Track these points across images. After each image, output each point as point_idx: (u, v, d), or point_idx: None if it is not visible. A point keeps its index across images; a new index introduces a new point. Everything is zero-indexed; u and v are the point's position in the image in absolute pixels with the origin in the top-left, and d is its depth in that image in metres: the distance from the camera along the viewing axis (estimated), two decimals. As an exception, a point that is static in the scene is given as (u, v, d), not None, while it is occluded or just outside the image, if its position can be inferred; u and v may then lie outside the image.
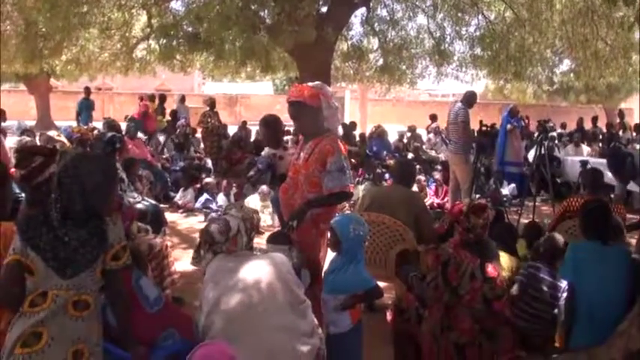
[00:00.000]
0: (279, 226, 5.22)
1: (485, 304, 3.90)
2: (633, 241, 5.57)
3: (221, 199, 9.84)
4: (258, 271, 3.20)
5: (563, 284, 4.58)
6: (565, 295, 4.57)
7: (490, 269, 3.98)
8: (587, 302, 4.09)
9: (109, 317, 3.01)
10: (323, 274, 3.88)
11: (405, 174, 6.21)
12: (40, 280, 2.69)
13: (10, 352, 2.62)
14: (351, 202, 9.95)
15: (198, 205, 9.82)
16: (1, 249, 2.99)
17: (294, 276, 3.38)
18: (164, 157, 12.69)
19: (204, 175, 11.14)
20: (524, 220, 8.44)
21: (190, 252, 7.14)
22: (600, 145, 14.97)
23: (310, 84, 4.27)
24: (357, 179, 11.12)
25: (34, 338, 2.61)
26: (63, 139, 9.87)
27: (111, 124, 13.11)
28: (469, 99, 9.58)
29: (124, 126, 12.08)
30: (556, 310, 4.53)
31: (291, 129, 11.91)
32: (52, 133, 10.37)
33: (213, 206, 9.58)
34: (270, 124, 5.74)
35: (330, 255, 3.85)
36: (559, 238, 4.88)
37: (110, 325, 3.00)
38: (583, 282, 4.13)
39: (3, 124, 12.96)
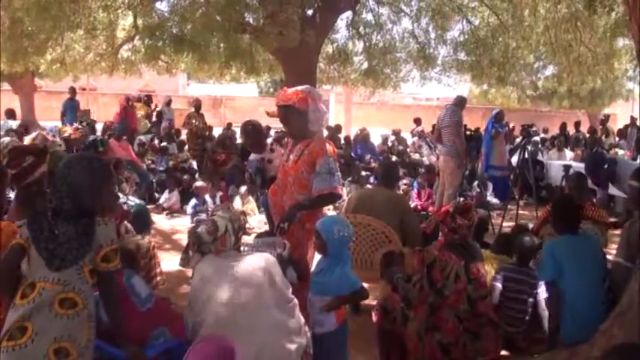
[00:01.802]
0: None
1: (469, 305, 3.96)
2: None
3: (208, 201, 9.77)
4: (246, 270, 3.21)
5: (541, 282, 4.66)
6: (542, 292, 4.65)
7: (474, 270, 4.04)
8: (571, 296, 4.14)
9: (101, 314, 3.03)
10: (311, 276, 3.88)
11: (388, 176, 6.25)
12: (32, 268, 2.79)
13: None
14: (336, 204, 10.01)
15: (189, 210, 9.62)
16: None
17: (282, 276, 3.39)
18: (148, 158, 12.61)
19: (185, 177, 11.06)
20: (507, 224, 8.54)
21: (174, 253, 7.19)
22: (583, 149, 15.10)
23: (299, 87, 4.31)
24: (342, 182, 11.12)
25: (19, 332, 2.69)
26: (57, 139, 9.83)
27: (91, 126, 13.10)
28: (461, 102, 9.65)
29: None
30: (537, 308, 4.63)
31: (272, 132, 11.94)
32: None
33: (203, 213, 9.42)
34: (249, 133, 5.76)
35: (318, 256, 3.85)
36: (526, 238, 4.98)
37: (102, 322, 3.02)
38: (565, 277, 4.18)
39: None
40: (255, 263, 3.28)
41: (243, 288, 3.15)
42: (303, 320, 3.43)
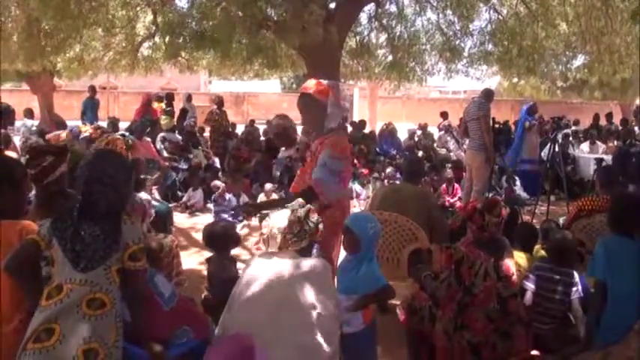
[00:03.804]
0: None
1: (500, 303, 3.85)
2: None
3: (231, 199, 9.62)
4: (291, 275, 3.15)
5: (576, 281, 4.47)
6: (577, 292, 4.46)
7: (504, 267, 3.93)
8: (617, 298, 3.91)
9: (125, 313, 3.01)
10: (337, 274, 3.82)
11: (413, 171, 6.18)
12: (57, 270, 2.80)
13: (24, 346, 2.67)
14: (361, 200, 9.88)
15: (212, 206, 9.54)
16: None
17: (331, 290, 3.32)
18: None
19: (209, 174, 10.97)
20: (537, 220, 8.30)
21: (195, 252, 7.12)
22: (616, 142, 14.69)
23: (325, 81, 4.23)
24: (368, 178, 11.01)
25: (46, 334, 2.67)
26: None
27: (115, 124, 13.08)
28: (488, 95, 9.37)
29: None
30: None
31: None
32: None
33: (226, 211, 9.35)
34: (281, 135, 5.69)
35: (343, 254, 3.82)
36: (558, 235, 4.79)
37: (126, 322, 3.00)
38: (617, 278, 3.93)
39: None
40: (304, 269, 3.20)
41: (286, 291, 3.10)
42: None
